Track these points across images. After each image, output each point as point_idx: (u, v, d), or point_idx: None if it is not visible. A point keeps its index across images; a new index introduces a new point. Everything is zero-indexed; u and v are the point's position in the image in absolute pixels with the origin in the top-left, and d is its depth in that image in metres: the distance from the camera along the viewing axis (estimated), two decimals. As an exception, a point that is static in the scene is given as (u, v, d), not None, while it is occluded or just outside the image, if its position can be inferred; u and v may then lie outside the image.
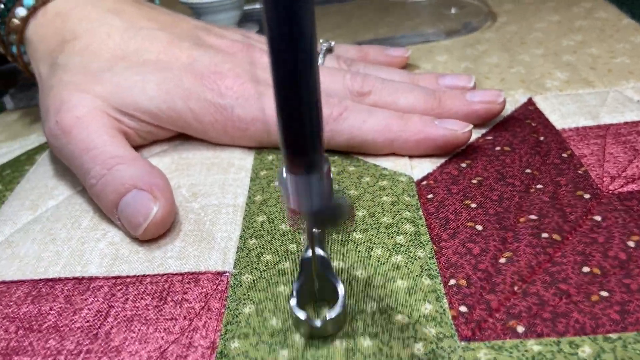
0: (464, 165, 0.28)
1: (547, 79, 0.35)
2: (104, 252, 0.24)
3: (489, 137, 0.30)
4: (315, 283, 0.20)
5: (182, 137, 0.31)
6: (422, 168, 0.28)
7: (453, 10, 0.49)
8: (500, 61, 0.38)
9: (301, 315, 0.18)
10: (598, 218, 0.23)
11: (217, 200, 0.26)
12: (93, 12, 0.31)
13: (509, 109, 0.32)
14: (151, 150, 0.31)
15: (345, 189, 0.26)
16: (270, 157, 0.30)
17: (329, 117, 0.29)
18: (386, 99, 0.31)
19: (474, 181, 0.26)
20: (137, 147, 0.31)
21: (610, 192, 0.25)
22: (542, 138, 0.29)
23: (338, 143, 0.29)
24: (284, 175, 0.15)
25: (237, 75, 0.30)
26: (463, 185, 0.26)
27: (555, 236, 0.23)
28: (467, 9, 0.48)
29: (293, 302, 0.19)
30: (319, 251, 0.20)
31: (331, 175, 0.16)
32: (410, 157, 0.29)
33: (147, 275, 0.22)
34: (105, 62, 0.30)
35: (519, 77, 0.35)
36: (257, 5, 0.53)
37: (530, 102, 0.33)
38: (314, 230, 0.19)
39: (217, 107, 0.29)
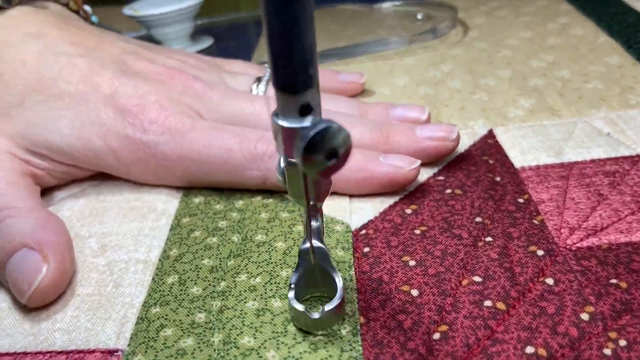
0: (409, 211, 0.25)
1: (510, 107, 0.32)
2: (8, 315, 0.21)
3: (440, 178, 0.27)
4: (316, 275, 0.20)
5: (103, 175, 0.28)
6: (362, 214, 0.25)
7: (419, 17, 0.46)
8: (463, 85, 0.35)
9: (299, 307, 0.18)
10: (550, 281, 0.20)
11: (127, 254, 0.23)
12: (11, 35, 0.28)
13: (467, 143, 0.29)
14: (69, 190, 0.28)
15: (272, 244, 0.23)
16: (197, 200, 0.27)
17: (263, 154, 0.26)
18: None
19: (417, 231, 0.23)
20: (53, 187, 0.28)
21: (567, 247, 0.22)
22: (498, 178, 0.26)
23: (274, 183, 0.26)
24: (277, 120, 0.15)
25: (163, 107, 0.27)
26: (404, 237, 0.23)
27: (499, 305, 0.20)
28: (434, 18, 0.45)
29: (291, 294, 0.19)
30: (316, 243, 0.19)
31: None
32: (351, 197, 0.26)
33: (29, 353, 0.19)
34: (17, 95, 0.27)
35: (480, 105, 0.32)
36: (213, 19, 0.50)
37: (490, 134, 0.30)
38: (312, 222, 0.19)
39: (139, 144, 0.26)
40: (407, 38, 0.41)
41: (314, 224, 0.19)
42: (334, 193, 0.26)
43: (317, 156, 0.15)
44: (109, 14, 0.54)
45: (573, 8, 0.45)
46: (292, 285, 0.19)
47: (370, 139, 0.27)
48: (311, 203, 0.18)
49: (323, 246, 0.19)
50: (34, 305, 0.21)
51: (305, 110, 0.15)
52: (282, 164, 0.17)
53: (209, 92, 0.29)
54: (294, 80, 0.15)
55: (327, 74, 0.35)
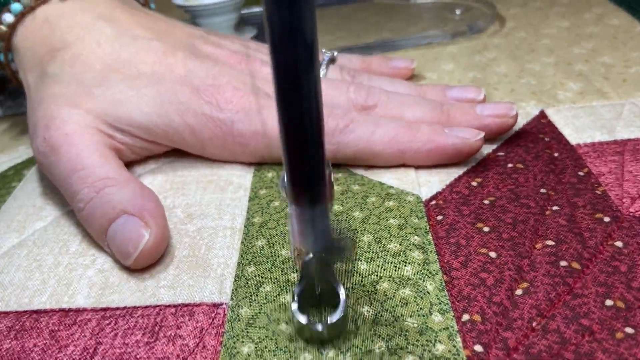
0: (474, 183, 0.26)
1: (559, 90, 0.33)
2: (93, 281, 0.22)
3: (501, 153, 0.28)
4: (317, 287, 0.19)
5: (177, 153, 0.30)
6: (430, 186, 0.26)
7: (458, 12, 0.47)
8: (509, 70, 0.36)
9: (302, 319, 0.18)
10: (619, 244, 0.22)
11: (213, 222, 0.25)
12: (83, 19, 0.30)
13: (520, 122, 0.31)
14: (145, 167, 0.29)
15: (349, 213, 0.25)
16: (270, 174, 0.28)
17: (335, 129, 0.27)
18: (392, 112, 0.29)
19: (486, 202, 0.25)
20: (131, 163, 0.29)
21: (631, 214, 0.23)
22: (556, 154, 0.28)
23: (345, 156, 0.28)
24: (289, 210, 0.16)
25: (236, 88, 0.28)
26: (475, 206, 0.25)
27: (574, 264, 0.21)
28: (472, 11, 0.47)
29: (294, 306, 0.19)
30: (320, 246, 0.19)
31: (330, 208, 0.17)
32: (418, 172, 0.27)
33: (139, 307, 0.21)
34: (97, 73, 0.28)
35: (529, 88, 0.34)
36: (255, 9, 0.52)
37: (542, 115, 0.31)
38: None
39: (216, 121, 0.28)
40: (448, 32, 0.42)
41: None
42: (401, 166, 0.28)
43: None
44: (157, 3, 0.55)
45: (606, 0, 0.46)
46: (296, 297, 0.19)
47: (433, 118, 0.29)
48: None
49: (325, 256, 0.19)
50: (139, 267, 0.22)
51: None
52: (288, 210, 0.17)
53: None
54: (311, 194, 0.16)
55: (378, 61, 0.36)
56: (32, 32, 0.30)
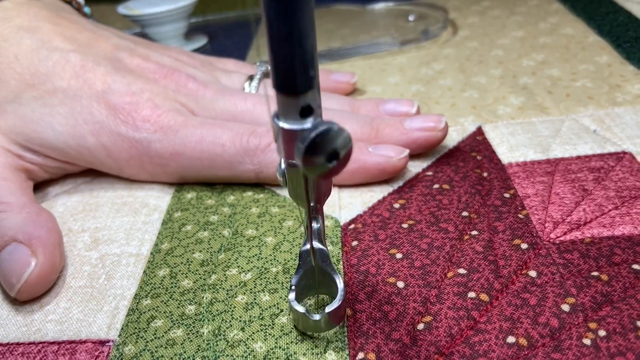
0: (397, 205, 0.25)
1: (500, 104, 0.32)
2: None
3: (429, 173, 0.27)
4: (314, 276, 0.19)
5: (98, 171, 0.29)
6: (351, 209, 0.25)
7: (411, 18, 0.46)
8: (454, 83, 0.35)
9: (300, 309, 0.18)
10: (533, 274, 0.21)
11: (119, 248, 0.24)
12: (4, 29, 0.28)
13: (456, 139, 0.30)
14: (63, 186, 0.28)
15: (262, 239, 0.24)
16: (189, 195, 0.27)
17: (256, 147, 0.26)
18: None
19: (405, 225, 0.24)
20: (47, 182, 0.28)
21: (550, 240, 0.22)
22: (485, 174, 0.27)
23: (267, 177, 0.27)
24: (277, 122, 0.15)
25: (156, 105, 0.27)
26: (392, 231, 0.24)
27: (482, 296, 0.20)
28: (426, 17, 0.46)
29: (291, 296, 0.19)
30: (317, 244, 0.19)
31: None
32: (341, 192, 0.26)
33: (21, 344, 0.20)
34: (11, 90, 0.27)
35: (470, 103, 0.33)
36: (208, 16, 0.51)
37: (479, 131, 0.30)
38: (312, 223, 0.19)
39: (132, 141, 0.26)
40: (398, 40, 0.41)
41: (314, 225, 0.19)
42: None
43: (318, 158, 0.15)
44: (103, 12, 0.54)
45: (564, 8, 0.45)
46: (293, 287, 0.19)
47: (362, 134, 0.28)
48: (312, 204, 0.18)
49: (324, 247, 0.19)
50: (24, 299, 0.21)
51: (306, 111, 0.15)
52: (283, 166, 0.17)
53: (202, 90, 0.29)
54: (295, 81, 0.15)
55: (320, 74, 0.35)
56: None
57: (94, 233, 0.25)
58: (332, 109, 0.30)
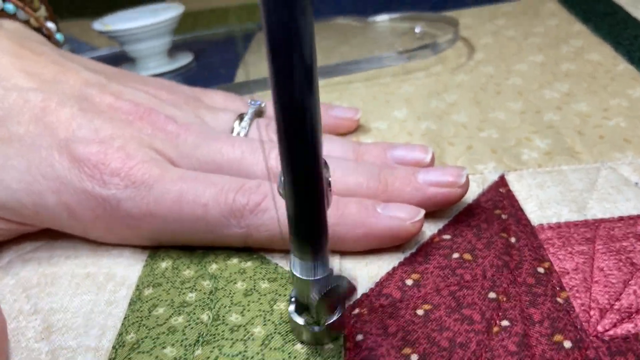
0: (409, 282, 0.21)
1: (524, 147, 0.28)
2: None
3: (446, 236, 0.23)
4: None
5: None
6: (356, 286, 0.21)
7: (417, 30, 0.42)
8: (470, 120, 0.31)
9: (299, 321, 0.18)
10: (582, 386, 0.17)
11: (75, 340, 0.20)
12: None
13: (475, 191, 0.26)
14: (18, 249, 0.24)
15: (248, 329, 0.20)
16: (163, 265, 0.23)
17: (243, 208, 0.22)
18: None
19: (420, 312, 0.20)
20: (2, 243, 0.24)
21: (598, 335, 0.18)
22: (513, 239, 0.23)
23: (257, 241, 0.23)
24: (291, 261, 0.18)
25: (128, 155, 0.23)
26: (404, 320, 0.20)
27: (521, 419, 0.16)
28: (434, 29, 0.42)
29: (291, 307, 0.19)
30: None
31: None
32: (343, 260, 0.22)
33: None
34: None
35: (489, 144, 0.29)
36: (195, 33, 0.47)
37: (502, 181, 0.26)
38: None
39: (99, 200, 0.22)
40: (404, 54, 0.37)
41: None
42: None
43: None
44: (82, 27, 0.50)
45: (586, 29, 0.41)
46: (292, 299, 0.19)
47: (368, 188, 0.24)
48: None
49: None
50: None
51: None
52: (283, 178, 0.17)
53: (183, 133, 0.25)
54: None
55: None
56: None
57: (48, 316, 0.21)
58: (334, 156, 0.26)
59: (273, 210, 0.22)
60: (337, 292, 0.17)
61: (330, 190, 0.17)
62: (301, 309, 0.19)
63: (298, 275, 0.18)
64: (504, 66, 0.37)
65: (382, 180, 0.24)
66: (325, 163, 0.16)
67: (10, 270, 0.23)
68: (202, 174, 0.23)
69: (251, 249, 0.23)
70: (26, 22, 0.29)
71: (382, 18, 0.45)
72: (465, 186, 0.24)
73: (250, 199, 0.22)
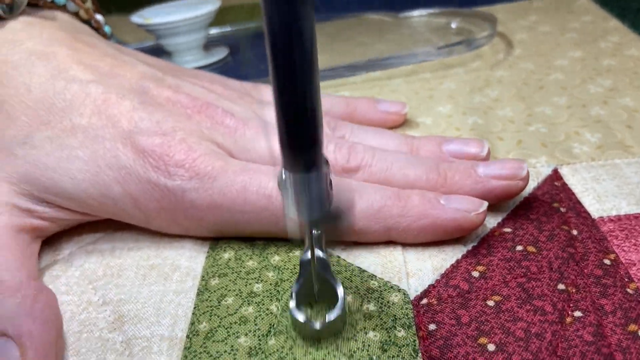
0: (476, 274, 0.21)
1: (574, 141, 0.28)
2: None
3: (507, 229, 0.23)
4: (315, 285, 0.20)
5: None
6: (420, 277, 0.21)
7: (453, 26, 0.42)
8: (516, 114, 0.31)
9: (300, 317, 0.18)
10: (664, 375, 0.17)
11: (148, 329, 0.20)
12: (13, 54, 0.24)
13: (531, 184, 0.26)
14: (79, 241, 0.24)
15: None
16: (226, 256, 0.23)
17: None
18: (378, 175, 0.24)
19: (491, 303, 0.20)
20: (61, 236, 0.24)
21: (674, 326, 0.18)
22: (575, 232, 0.23)
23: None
24: (284, 176, 0.16)
25: (191, 148, 0.23)
26: (476, 310, 0.20)
27: (607, 408, 0.16)
28: (469, 25, 0.42)
29: (292, 304, 0.19)
30: (318, 253, 0.20)
31: (330, 176, 0.16)
32: (406, 253, 0.23)
33: None
34: (21, 128, 0.23)
35: (539, 139, 0.29)
36: (227, 28, 0.47)
37: (556, 175, 0.26)
38: (313, 231, 0.19)
39: (164, 190, 0.23)
40: (443, 50, 0.37)
41: (314, 231, 0.19)
42: (387, 246, 0.23)
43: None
44: (115, 22, 0.50)
45: (622, 25, 0.41)
46: (293, 295, 0.19)
47: (427, 181, 0.24)
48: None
49: (325, 257, 0.20)
50: None
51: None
52: (283, 176, 0.16)
53: (241, 127, 0.25)
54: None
55: (366, 104, 0.31)
56: None
57: (118, 307, 0.21)
58: (389, 150, 0.26)
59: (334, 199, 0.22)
60: (332, 216, 0.16)
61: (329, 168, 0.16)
62: (302, 304, 0.19)
63: (289, 188, 0.16)
64: (543, 62, 0.37)
65: (441, 173, 0.24)
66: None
67: (73, 262, 0.23)
68: (263, 166, 0.23)
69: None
70: (75, 14, 0.29)
71: (417, 13, 0.45)
72: (526, 179, 0.24)
73: None
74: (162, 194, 0.23)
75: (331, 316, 0.18)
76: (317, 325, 0.18)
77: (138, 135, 0.23)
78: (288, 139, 0.15)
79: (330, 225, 0.17)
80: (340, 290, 0.19)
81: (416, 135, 0.28)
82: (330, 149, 0.25)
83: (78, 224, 0.25)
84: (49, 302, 0.19)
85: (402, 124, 0.31)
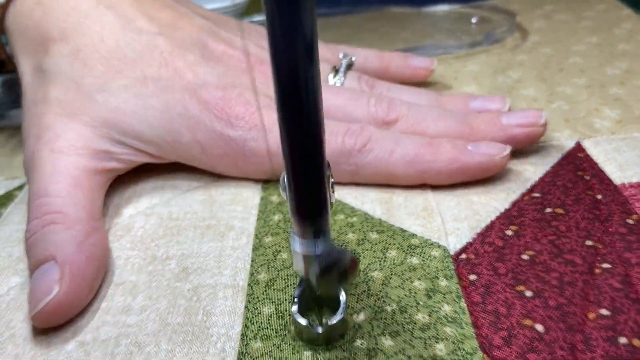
0: (509, 232, 0.23)
1: (594, 117, 0.30)
2: (72, 357, 0.19)
3: (536, 194, 0.25)
4: (317, 290, 0.19)
5: (174, 189, 0.27)
6: (458, 235, 0.23)
7: (473, 21, 0.44)
8: (538, 94, 0.33)
9: (302, 322, 0.18)
10: (687, 316, 0.19)
11: (212, 278, 0.22)
12: (82, 3, 0.26)
13: (556, 156, 0.27)
14: (137, 206, 0.26)
15: (368, 273, 0.22)
16: (276, 217, 0.25)
17: (352, 148, 0.25)
18: (413, 127, 0.27)
19: (525, 257, 0.22)
20: (122, 204, 0.26)
21: (694, 276, 0.20)
22: (599, 196, 0.25)
23: (363, 177, 0.26)
24: (294, 238, 0.17)
25: (247, 102, 0.25)
26: (512, 263, 0.22)
27: (636, 342, 0.18)
28: (490, 20, 0.44)
29: (294, 308, 0.19)
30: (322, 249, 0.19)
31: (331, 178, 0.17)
32: (444, 215, 0.24)
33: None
34: (99, 76, 0.25)
35: (562, 115, 0.31)
36: (257, 17, 0.49)
37: (579, 147, 0.28)
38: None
39: (227, 139, 0.25)
40: (466, 43, 0.39)
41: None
42: (424, 209, 0.25)
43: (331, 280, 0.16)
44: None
45: (634, 13, 0.43)
46: (295, 299, 0.19)
47: (456, 131, 0.27)
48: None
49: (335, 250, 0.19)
50: (39, 326, 0.19)
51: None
52: (286, 179, 0.16)
53: None
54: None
55: (398, 60, 0.33)
56: (22, 14, 0.26)
57: (181, 260, 0.23)
58: (421, 104, 0.28)
59: (377, 150, 0.25)
60: (339, 266, 0.16)
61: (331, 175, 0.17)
62: (304, 309, 0.19)
63: (298, 252, 0.17)
64: (561, 47, 0.39)
65: (468, 123, 0.27)
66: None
67: (134, 224, 0.25)
68: None
69: (353, 210, 0.25)
70: None
71: (437, 8, 0.47)
72: (545, 125, 0.26)
73: (357, 140, 0.25)
74: (225, 142, 0.25)
75: (333, 321, 0.18)
76: (319, 329, 0.18)
77: (202, 88, 0.25)
78: (298, 208, 0.16)
79: (336, 276, 0.16)
80: (342, 295, 0.19)
81: (444, 94, 0.30)
82: (372, 103, 0.27)
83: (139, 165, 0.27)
84: (98, 241, 0.22)
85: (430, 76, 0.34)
